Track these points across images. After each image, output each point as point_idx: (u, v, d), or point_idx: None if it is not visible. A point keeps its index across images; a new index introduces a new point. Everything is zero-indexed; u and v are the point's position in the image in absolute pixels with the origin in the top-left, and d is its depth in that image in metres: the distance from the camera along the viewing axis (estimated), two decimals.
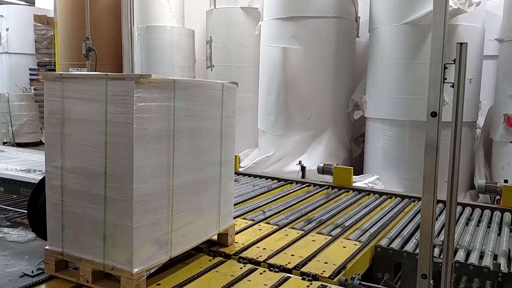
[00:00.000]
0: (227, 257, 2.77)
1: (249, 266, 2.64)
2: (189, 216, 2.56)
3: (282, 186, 4.82)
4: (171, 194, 2.39)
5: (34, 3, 13.92)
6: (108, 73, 2.22)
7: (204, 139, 2.66)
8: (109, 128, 2.19)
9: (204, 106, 2.64)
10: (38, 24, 12.41)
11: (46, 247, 2.49)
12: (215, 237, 2.93)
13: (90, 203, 2.27)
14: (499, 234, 3.41)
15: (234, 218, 3.22)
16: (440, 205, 3.94)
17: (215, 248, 2.87)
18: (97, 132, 2.22)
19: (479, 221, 3.73)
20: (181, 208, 2.47)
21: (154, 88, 2.22)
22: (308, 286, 2.39)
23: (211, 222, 2.79)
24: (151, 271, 2.30)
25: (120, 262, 2.21)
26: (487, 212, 3.93)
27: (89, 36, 3.47)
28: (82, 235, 2.33)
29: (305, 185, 4.82)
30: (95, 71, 3.50)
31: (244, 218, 3.56)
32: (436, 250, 2.67)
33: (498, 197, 4.18)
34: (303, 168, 5.45)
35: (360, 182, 5.54)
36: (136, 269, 2.18)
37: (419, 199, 4.18)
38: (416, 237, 3.16)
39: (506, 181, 4.29)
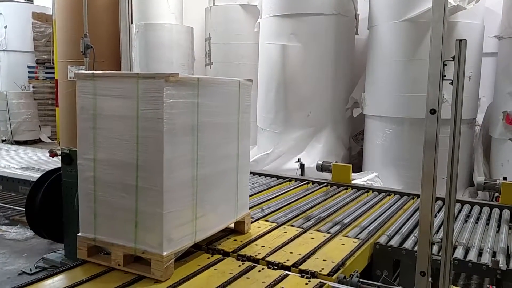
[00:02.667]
0: (226, 254, 2.77)
1: (247, 263, 2.64)
2: (211, 205, 2.75)
3: (281, 183, 4.82)
4: (195, 184, 2.58)
5: (32, 1, 13.88)
6: (139, 73, 2.41)
7: (223, 133, 2.85)
8: (140, 123, 2.36)
9: (223, 102, 2.84)
10: (36, 21, 12.37)
11: (79, 234, 2.63)
12: (232, 225, 3.12)
13: (122, 192, 2.44)
14: (497, 231, 3.41)
15: None
16: (439, 202, 3.93)
17: (214, 245, 2.86)
18: (128, 126, 2.39)
19: (478, 218, 3.73)
20: (203, 197, 2.65)
21: (181, 86, 2.40)
22: (306, 283, 2.39)
23: (230, 210, 3.00)
24: (179, 255, 2.50)
25: (151, 246, 2.39)
26: (486, 209, 3.93)
27: (87, 34, 3.46)
28: (114, 222, 2.49)
29: (304, 182, 4.82)
30: (93, 69, 3.49)
31: None
32: (435, 247, 2.68)
33: (497, 194, 4.18)
34: (302, 166, 5.45)
35: (359, 179, 5.53)
36: (165, 252, 2.37)
37: (418, 196, 4.18)
38: (415, 234, 3.16)
39: (505, 178, 4.29)
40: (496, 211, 3.88)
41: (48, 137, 12.59)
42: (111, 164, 2.47)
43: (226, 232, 3.11)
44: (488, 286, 2.28)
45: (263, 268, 2.58)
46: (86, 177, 2.57)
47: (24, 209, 4.14)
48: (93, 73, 2.53)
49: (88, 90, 2.51)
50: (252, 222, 3.37)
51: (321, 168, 4.98)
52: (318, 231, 3.24)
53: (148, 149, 2.36)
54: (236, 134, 2.99)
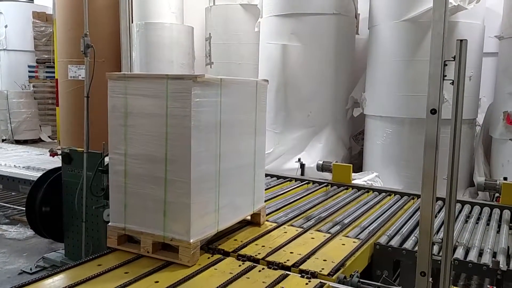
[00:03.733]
0: (226, 254, 2.77)
1: (248, 263, 2.63)
2: (231, 197, 2.94)
3: (281, 183, 4.82)
4: (218, 177, 2.77)
5: (33, 0, 13.87)
6: (168, 74, 2.59)
7: (242, 130, 3.05)
8: (169, 120, 2.54)
9: (242, 101, 3.04)
10: (37, 21, 12.38)
11: (109, 224, 2.80)
12: (249, 217, 3.30)
13: (152, 184, 2.62)
14: (498, 232, 3.41)
15: None
16: (440, 202, 3.93)
17: (214, 245, 2.86)
18: (158, 123, 2.57)
19: (478, 219, 3.73)
20: (225, 189, 2.84)
21: (206, 86, 2.59)
22: (307, 283, 2.39)
23: (248, 203, 3.19)
24: (203, 242, 2.73)
25: (179, 233, 2.57)
26: (486, 210, 3.92)
27: (87, 33, 3.45)
28: (144, 212, 2.67)
29: (304, 182, 4.82)
30: (93, 68, 3.49)
31: None
32: (435, 248, 2.67)
33: (497, 194, 4.18)
34: (302, 166, 5.44)
35: (359, 179, 5.53)
36: (192, 239, 2.56)
37: (418, 196, 4.18)
38: (415, 235, 3.16)
39: (505, 178, 4.28)
40: (496, 211, 3.88)
41: (49, 137, 12.60)
42: (141, 158, 2.65)
43: (243, 224, 3.26)
44: (488, 286, 2.27)
45: (263, 268, 2.57)
46: (116, 170, 2.74)
47: (24, 208, 4.14)
48: (124, 74, 2.76)
49: (119, 90, 2.68)
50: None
51: (322, 168, 4.98)
52: (319, 231, 3.24)
53: (177, 144, 2.54)
54: (253, 131, 3.17)
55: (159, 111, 2.57)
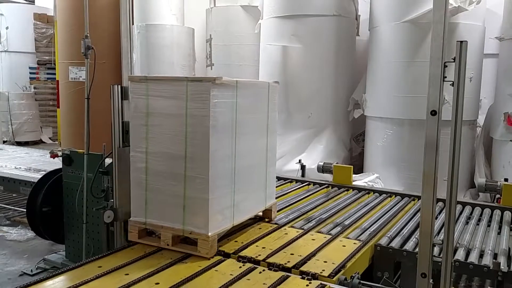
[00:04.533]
0: (226, 256, 2.77)
1: (248, 265, 2.63)
2: (245, 193, 3.08)
3: (281, 184, 4.81)
4: (233, 174, 2.91)
5: (34, 2, 13.91)
6: (188, 76, 2.77)
7: (255, 129, 3.19)
8: (189, 119, 2.69)
9: (255, 102, 3.18)
10: (38, 22, 12.39)
11: (130, 219, 2.95)
12: (260, 213, 3.43)
13: (172, 180, 2.76)
14: (499, 233, 3.40)
15: None
16: (440, 203, 3.92)
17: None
18: (178, 123, 2.72)
19: (479, 220, 3.72)
20: (240, 186, 2.97)
21: (223, 87, 2.73)
22: (307, 285, 2.38)
23: (260, 199, 3.33)
24: (221, 235, 2.88)
25: (197, 227, 2.71)
26: (487, 211, 3.92)
27: (88, 35, 3.45)
28: (164, 207, 2.80)
29: (305, 183, 4.81)
30: (94, 70, 3.49)
31: None
32: (436, 249, 2.67)
33: (498, 196, 4.17)
34: (303, 167, 5.44)
35: (360, 180, 5.52)
36: (211, 233, 2.70)
37: (419, 197, 4.17)
38: (416, 236, 3.15)
39: (506, 179, 4.28)
40: (497, 212, 3.87)
41: (49, 138, 12.60)
42: (161, 156, 2.79)
43: (255, 220, 3.41)
44: None
45: (263, 270, 2.57)
46: (138, 167, 2.88)
47: (25, 210, 4.14)
48: (146, 76, 2.88)
49: (141, 92, 2.83)
50: (253, 223, 3.37)
51: (322, 169, 4.98)
52: (319, 232, 3.23)
53: (196, 143, 2.68)
54: (265, 130, 3.32)
55: (179, 111, 2.71)
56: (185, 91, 2.69)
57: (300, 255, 2.73)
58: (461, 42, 2.08)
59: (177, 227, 2.77)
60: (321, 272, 2.49)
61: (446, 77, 2.11)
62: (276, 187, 4.67)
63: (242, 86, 2.93)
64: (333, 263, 2.62)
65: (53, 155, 4.29)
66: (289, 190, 4.53)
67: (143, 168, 2.85)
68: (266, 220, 3.47)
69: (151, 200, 2.86)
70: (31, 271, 4.08)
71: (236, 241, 2.99)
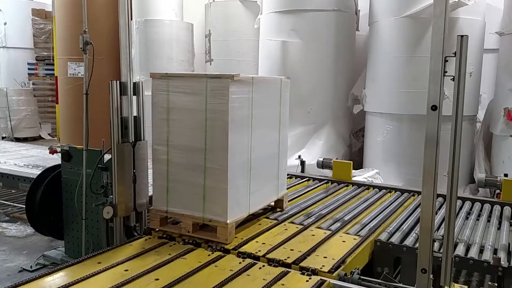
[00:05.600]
0: (226, 251, 2.77)
1: (248, 260, 2.63)
2: (260, 183, 3.25)
3: None
4: (249, 166, 3.08)
5: None
6: (207, 73, 2.92)
7: (269, 123, 3.37)
8: (208, 114, 2.84)
9: (269, 97, 3.35)
10: (36, 18, 12.35)
11: (152, 208, 3.12)
12: (272, 203, 3.60)
13: (192, 171, 2.93)
14: (499, 228, 3.40)
15: None
16: (440, 199, 3.92)
17: (214, 243, 2.86)
18: (198, 117, 2.87)
19: (479, 215, 3.72)
20: (255, 176, 3.14)
21: (240, 84, 2.88)
22: (307, 280, 2.38)
23: (273, 189, 3.51)
24: (238, 222, 3.03)
25: (216, 215, 2.88)
26: (487, 206, 3.92)
27: (87, 30, 3.43)
28: (184, 196, 2.98)
29: (304, 179, 4.81)
30: (93, 65, 3.47)
31: None
32: (436, 244, 2.66)
33: (498, 191, 4.17)
34: (302, 163, 5.44)
35: (359, 176, 5.53)
36: (229, 220, 2.86)
37: (418, 193, 4.17)
38: (416, 231, 3.15)
39: (506, 175, 4.27)
40: (497, 208, 3.87)
41: (48, 134, 12.59)
42: (182, 148, 2.96)
43: (267, 210, 3.57)
44: (489, 283, 2.27)
45: (263, 265, 2.57)
46: (159, 159, 3.04)
47: (24, 206, 4.13)
48: (167, 73, 3.01)
49: (162, 88, 2.97)
50: (252, 219, 3.37)
51: (322, 165, 4.97)
52: (319, 228, 3.23)
53: (215, 136, 2.84)
54: (278, 124, 3.50)
55: (199, 107, 2.86)
56: (204, 87, 2.83)
57: (300, 251, 2.73)
58: (462, 36, 2.07)
59: (197, 215, 2.93)
60: (321, 268, 2.49)
61: (446, 72, 2.09)
62: None
63: (257, 82, 3.10)
64: (333, 259, 2.62)
65: (52, 151, 4.27)
66: (289, 186, 4.52)
67: (165, 160, 3.01)
68: (278, 210, 3.62)
69: (172, 190, 3.02)
70: (31, 267, 4.08)
71: (236, 237, 2.98)
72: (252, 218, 3.38)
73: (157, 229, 3.06)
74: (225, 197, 2.84)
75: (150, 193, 3.49)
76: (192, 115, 2.89)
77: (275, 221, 3.34)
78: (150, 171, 3.31)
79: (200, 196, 2.91)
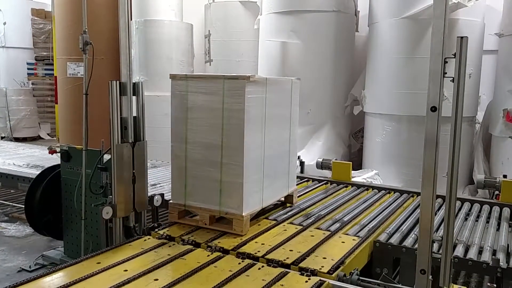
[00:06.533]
0: (226, 252, 2.77)
1: (247, 261, 2.63)
2: (272, 179, 3.43)
3: None
4: (263, 162, 3.26)
5: None
6: (224, 74, 3.07)
7: (280, 122, 3.53)
8: (225, 113, 3.01)
9: (281, 97, 3.52)
10: (36, 18, 12.35)
11: (170, 201, 3.30)
12: (283, 198, 3.76)
13: (209, 167, 3.10)
14: (498, 229, 3.40)
15: None
16: (439, 200, 3.92)
17: (213, 243, 2.86)
18: (215, 116, 3.05)
19: (478, 216, 3.72)
20: (268, 172, 3.33)
21: (255, 84, 3.06)
22: (306, 281, 2.38)
23: (284, 185, 3.67)
24: (253, 215, 3.22)
25: (232, 208, 3.05)
26: (486, 207, 3.92)
27: (86, 30, 3.43)
28: (202, 190, 3.16)
29: (303, 180, 4.81)
30: (92, 66, 3.47)
31: None
32: (435, 245, 2.67)
33: (497, 192, 4.17)
34: (301, 163, 5.43)
35: (359, 177, 5.53)
36: (244, 213, 3.04)
37: (418, 194, 4.17)
38: (415, 232, 3.15)
39: (505, 176, 4.28)
40: (496, 209, 3.87)
41: (48, 134, 12.58)
42: (200, 145, 3.13)
43: (277, 205, 3.73)
44: (488, 284, 2.27)
45: (263, 266, 2.57)
46: (178, 155, 3.22)
47: (23, 206, 4.13)
48: (186, 75, 3.25)
49: (181, 88, 3.16)
50: (251, 220, 3.37)
51: (321, 165, 4.97)
52: (318, 229, 3.23)
53: (231, 134, 3.01)
54: (289, 123, 3.66)
55: (216, 106, 3.03)
56: (222, 87, 3.00)
57: (299, 252, 2.73)
58: (462, 38, 2.07)
59: (213, 208, 3.11)
60: (320, 268, 2.49)
61: (446, 73, 2.10)
62: None
63: (271, 83, 3.29)
64: (332, 260, 2.62)
65: (52, 151, 4.27)
66: None
67: (183, 156, 3.19)
68: (288, 205, 3.79)
69: (190, 185, 3.20)
70: (30, 267, 4.08)
71: (235, 237, 2.98)
72: (264, 213, 3.47)
73: (175, 222, 3.24)
74: (241, 191, 3.01)
75: (150, 193, 3.49)
76: (210, 114, 3.06)
77: (275, 222, 3.35)
78: (149, 171, 3.31)
79: (217, 191, 3.09)
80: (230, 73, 3.33)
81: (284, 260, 2.61)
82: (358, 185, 4.63)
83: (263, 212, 3.45)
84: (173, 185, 3.30)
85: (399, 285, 2.46)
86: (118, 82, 3.15)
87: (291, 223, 3.36)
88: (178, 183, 3.25)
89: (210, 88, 3.05)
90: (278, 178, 3.54)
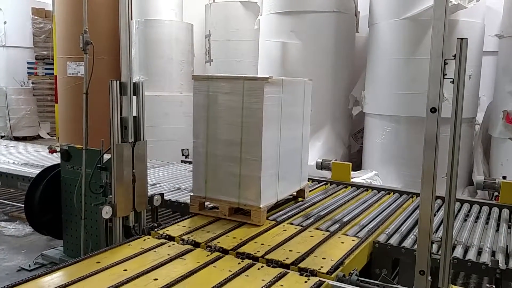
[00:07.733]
0: (225, 252, 2.77)
1: (247, 261, 2.63)
2: (286, 174, 3.63)
3: None
4: (278, 158, 3.47)
5: None
6: (244, 75, 3.33)
7: (294, 120, 3.76)
8: (245, 112, 3.22)
9: (295, 97, 3.72)
10: (36, 17, 12.35)
11: (191, 194, 3.53)
12: (295, 193, 3.96)
13: (229, 162, 3.32)
14: (497, 231, 3.41)
15: None
16: (439, 201, 3.93)
17: (213, 243, 2.86)
18: (235, 114, 3.25)
19: (477, 218, 3.73)
20: (282, 167, 3.54)
21: (273, 85, 3.28)
22: (306, 281, 2.38)
23: (296, 180, 3.89)
24: (269, 207, 3.45)
25: (251, 200, 3.28)
26: (485, 208, 3.93)
27: (87, 30, 3.43)
28: (222, 184, 3.37)
29: None
30: (93, 65, 3.47)
31: None
32: (434, 246, 2.67)
33: (496, 193, 4.17)
34: None
35: (358, 177, 5.53)
36: (262, 205, 3.26)
37: (417, 195, 4.18)
38: (414, 233, 3.16)
39: (504, 177, 4.28)
40: (495, 210, 3.88)
41: (48, 133, 12.58)
42: (220, 142, 3.35)
43: (290, 199, 3.92)
44: (487, 285, 2.27)
45: (262, 266, 2.57)
46: (199, 151, 3.44)
47: (23, 205, 4.13)
48: (208, 76, 3.49)
49: (203, 88, 3.36)
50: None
51: (321, 166, 4.98)
52: (318, 229, 3.24)
53: (250, 131, 3.22)
54: (301, 121, 3.87)
55: (236, 105, 3.22)
56: (241, 88, 3.19)
57: (299, 252, 2.73)
58: (462, 39, 2.08)
59: (233, 200, 3.32)
60: (319, 269, 2.49)
61: (446, 74, 2.10)
62: None
63: (286, 84, 3.48)
64: (331, 260, 2.63)
65: (51, 151, 4.27)
66: None
67: (204, 152, 3.41)
68: (300, 199, 3.99)
69: (210, 179, 3.41)
70: (29, 266, 4.07)
71: (234, 238, 2.99)
72: (276, 206, 3.68)
73: (196, 213, 3.45)
74: (259, 184, 3.22)
75: (149, 193, 3.49)
76: (230, 113, 3.26)
77: (274, 222, 3.35)
78: (149, 172, 3.32)
79: (236, 184, 3.30)
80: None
81: (284, 260, 2.61)
82: (358, 186, 4.63)
83: (276, 206, 3.63)
84: (194, 179, 3.51)
85: (398, 286, 2.46)
86: (118, 81, 3.16)
87: (290, 223, 3.36)
88: (199, 177, 3.46)
89: (231, 88, 3.25)
90: (291, 173, 3.74)
